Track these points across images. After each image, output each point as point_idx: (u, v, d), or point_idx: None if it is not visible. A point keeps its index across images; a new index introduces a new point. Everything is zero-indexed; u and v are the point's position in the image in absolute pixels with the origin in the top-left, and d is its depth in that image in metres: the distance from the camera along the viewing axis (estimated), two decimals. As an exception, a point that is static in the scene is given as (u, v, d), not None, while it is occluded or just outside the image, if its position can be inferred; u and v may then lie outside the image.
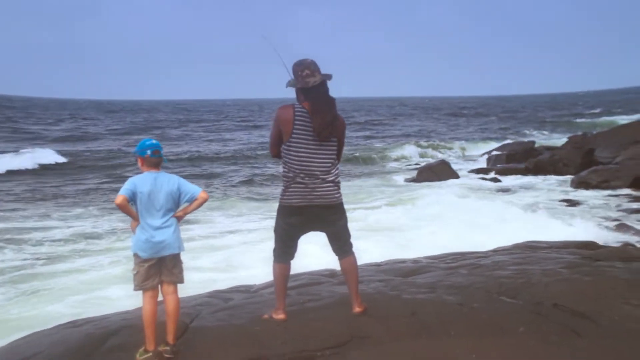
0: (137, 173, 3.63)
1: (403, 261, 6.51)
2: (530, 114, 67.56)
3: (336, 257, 4.08)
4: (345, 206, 4.03)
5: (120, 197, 3.38)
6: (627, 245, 9.00)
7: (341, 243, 4.00)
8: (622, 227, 10.64)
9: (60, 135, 39.87)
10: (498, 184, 17.55)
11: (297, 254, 4.09)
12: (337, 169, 3.91)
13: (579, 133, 26.53)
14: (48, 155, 25.24)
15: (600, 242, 7.31)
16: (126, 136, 40.35)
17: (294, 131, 3.73)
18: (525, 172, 19.08)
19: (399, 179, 20.28)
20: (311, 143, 3.75)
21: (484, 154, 24.97)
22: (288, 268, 4.02)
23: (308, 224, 3.90)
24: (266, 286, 5.49)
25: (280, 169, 3.95)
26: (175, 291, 3.62)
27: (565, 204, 13.35)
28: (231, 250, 9.88)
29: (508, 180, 18.01)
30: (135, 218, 3.51)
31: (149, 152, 3.56)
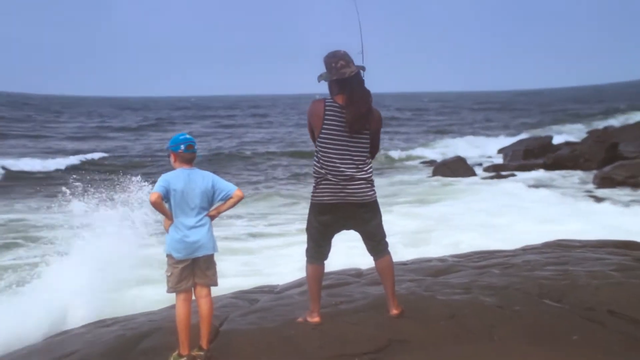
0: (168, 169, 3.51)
1: (429, 260, 6.37)
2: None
3: (371, 257, 3.94)
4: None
5: (154, 195, 3.25)
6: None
7: (375, 242, 3.85)
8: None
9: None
10: (516, 180, 17.26)
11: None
12: (371, 166, 3.77)
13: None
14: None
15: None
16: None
17: (325, 126, 3.62)
18: (544, 167, 18.75)
19: (418, 176, 19.88)
20: (343, 138, 3.62)
21: (500, 151, 24.65)
22: (322, 269, 3.89)
23: (341, 222, 3.77)
24: (291, 286, 5.37)
25: (312, 166, 3.82)
26: (209, 294, 3.50)
27: (591, 199, 13.01)
28: (255, 251, 9.68)
29: (525, 176, 17.70)
30: (169, 217, 3.38)
31: (182, 147, 3.44)
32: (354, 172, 3.64)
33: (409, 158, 26.11)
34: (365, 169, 3.70)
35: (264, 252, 9.67)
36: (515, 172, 18.54)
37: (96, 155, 25.61)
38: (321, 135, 3.64)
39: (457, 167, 19.23)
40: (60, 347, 3.86)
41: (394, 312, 3.85)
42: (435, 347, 3.46)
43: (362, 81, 3.72)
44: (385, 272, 3.87)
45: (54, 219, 9.19)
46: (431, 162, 23.11)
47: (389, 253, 3.88)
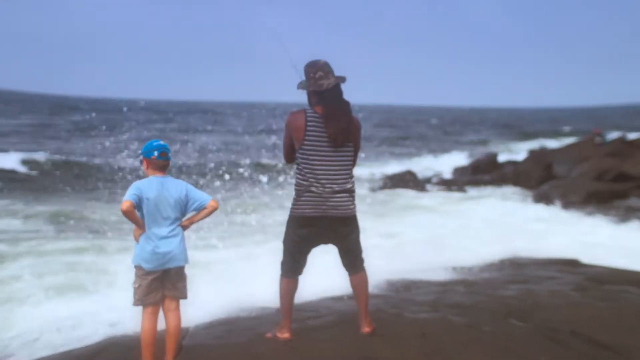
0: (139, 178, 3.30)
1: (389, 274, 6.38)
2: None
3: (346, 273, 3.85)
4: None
5: (126, 203, 3.04)
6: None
7: (352, 258, 3.76)
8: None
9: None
10: (466, 194, 17.70)
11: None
12: (353, 177, 3.69)
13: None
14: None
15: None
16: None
17: (307, 138, 3.50)
18: (490, 183, 19.34)
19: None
20: (326, 150, 3.52)
21: (450, 166, 25.20)
22: (296, 283, 3.76)
23: (319, 236, 3.66)
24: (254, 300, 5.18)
25: (294, 176, 3.70)
26: (178, 307, 3.31)
27: (532, 216, 13.52)
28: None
29: (475, 192, 18.18)
30: (140, 226, 3.18)
31: (155, 153, 3.25)
32: (338, 183, 3.55)
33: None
34: (350, 180, 3.63)
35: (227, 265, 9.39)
36: (465, 187, 19.01)
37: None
38: (303, 147, 3.53)
39: (407, 181, 19.49)
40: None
41: (366, 329, 3.76)
42: (408, 366, 3.41)
43: (341, 93, 3.64)
44: (359, 289, 3.78)
45: None
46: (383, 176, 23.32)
47: (364, 269, 3.79)
